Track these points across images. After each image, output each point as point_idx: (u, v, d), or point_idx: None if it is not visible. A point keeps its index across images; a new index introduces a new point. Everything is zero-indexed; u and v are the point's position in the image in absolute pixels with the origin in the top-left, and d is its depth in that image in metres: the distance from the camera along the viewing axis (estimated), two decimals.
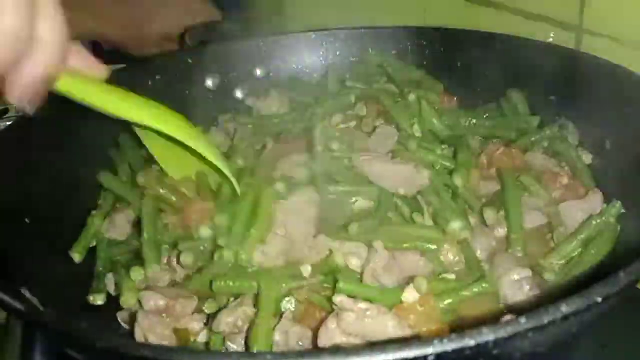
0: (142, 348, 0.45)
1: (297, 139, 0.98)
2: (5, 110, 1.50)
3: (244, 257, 0.73)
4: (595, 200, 0.83)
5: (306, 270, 0.72)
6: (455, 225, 0.76)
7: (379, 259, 0.71)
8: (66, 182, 0.89)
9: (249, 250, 0.74)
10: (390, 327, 0.61)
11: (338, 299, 0.63)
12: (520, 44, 1.05)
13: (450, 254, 0.75)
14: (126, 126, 1.01)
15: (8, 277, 0.65)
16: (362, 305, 0.62)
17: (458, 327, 0.65)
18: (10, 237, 0.75)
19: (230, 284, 0.72)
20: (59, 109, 0.97)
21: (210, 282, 0.72)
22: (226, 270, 0.73)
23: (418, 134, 0.97)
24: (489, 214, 0.79)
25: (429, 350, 0.42)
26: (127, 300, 0.74)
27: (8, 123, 0.94)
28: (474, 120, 1.02)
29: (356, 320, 0.61)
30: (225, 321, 0.69)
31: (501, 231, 0.78)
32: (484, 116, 1.04)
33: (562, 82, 0.99)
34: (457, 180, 0.83)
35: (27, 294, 0.65)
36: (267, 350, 0.63)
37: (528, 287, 0.69)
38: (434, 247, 0.75)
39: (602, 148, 0.90)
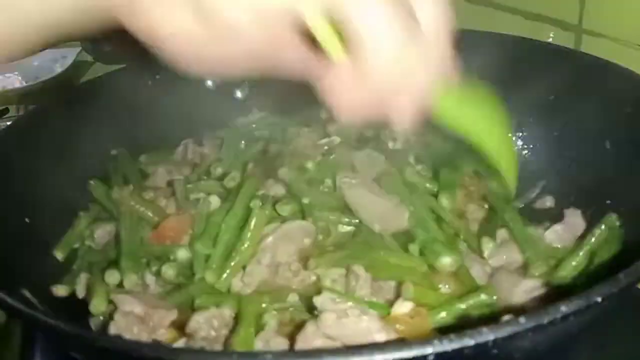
0: (143, 348, 0.45)
1: (280, 156, 0.93)
2: (6, 110, 1.50)
3: (221, 285, 0.72)
4: (573, 217, 0.82)
5: (293, 297, 0.70)
6: (446, 261, 0.71)
7: (362, 283, 0.67)
8: (66, 182, 0.89)
9: (227, 279, 0.72)
10: (374, 330, 0.58)
11: (319, 299, 0.61)
12: (520, 43, 1.05)
13: (443, 284, 0.71)
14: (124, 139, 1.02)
15: (8, 277, 0.65)
16: (344, 305, 0.60)
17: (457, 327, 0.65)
18: (10, 237, 0.75)
19: (213, 299, 0.70)
20: (59, 110, 0.98)
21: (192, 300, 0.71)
22: (207, 289, 0.72)
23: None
24: (487, 246, 0.76)
25: (429, 350, 0.42)
26: (98, 305, 0.71)
27: (8, 123, 0.94)
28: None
29: (337, 321, 0.58)
30: (197, 320, 0.65)
31: (498, 260, 0.76)
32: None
33: (562, 82, 0.99)
34: (444, 201, 0.80)
35: (27, 294, 0.65)
36: (268, 350, 0.63)
37: (538, 294, 0.68)
38: (415, 279, 0.70)
39: (602, 148, 0.90)
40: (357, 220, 0.79)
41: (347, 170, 0.85)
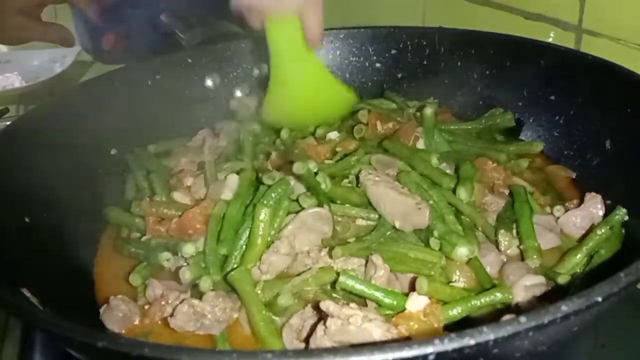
0: (143, 347, 0.45)
1: (300, 150, 0.96)
2: (6, 110, 1.50)
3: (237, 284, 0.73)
4: (593, 203, 0.82)
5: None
6: (462, 251, 0.73)
7: (380, 273, 0.70)
8: (65, 182, 0.89)
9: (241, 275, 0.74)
10: (375, 335, 0.59)
11: (324, 305, 0.62)
12: (520, 43, 1.05)
13: (457, 274, 0.73)
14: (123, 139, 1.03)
15: (8, 277, 0.65)
16: (347, 311, 0.61)
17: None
18: (10, 237, 0.74)
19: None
20: (59, 110, 0.98)
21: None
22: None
23: (422, 147, 0.97)
24: (504, 237, 0.77)
25: (429, 349, 0.42)
26: (135, 280, 0.80)
27: (8, 123, 0.94)
28: (469, 143, 1.02)
29: (341, 327, 0.60)
30: (206, 300, 0.71)
31: (515, 249, 0.77)
32: (474, 134, 1.05)
33: (562, 82, 0.99)
34: (462, 194, 0.82)
35: (27, 294, 0.65)
36: (268, 350, 0.63)
37: (540, 292, 0.68)
38: (431, 273, 0.72)
39: (602, 148, 0.90)
40: (376, 216, 0.82)
41: (371, 168, 0.88)
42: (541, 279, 0.70)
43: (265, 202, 0.79)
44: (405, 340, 0.43)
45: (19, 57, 1.85)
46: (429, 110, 0.99)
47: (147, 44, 1.56)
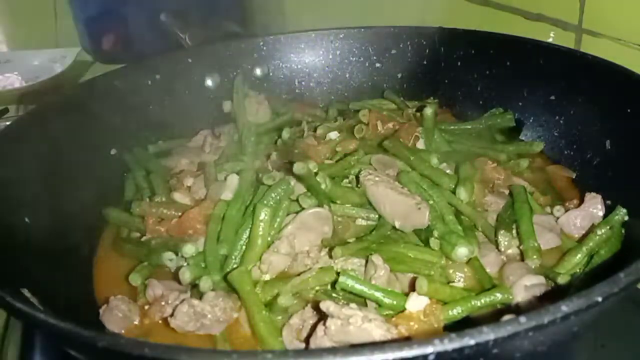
0: (143, 347, 0.45)
1: (300, 150, 0.97)
2: (5, 110, 1.50)
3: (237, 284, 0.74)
4: (593, 203, 0.82)
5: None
6: (462, 251, 0.73)
7: (380, 273, 0.70)
8: (66, 181, 0.89)
9: (241, 276, 0.74)
10: (375, 335, 0.59)
11: (324, 305, 0.62)
12: (520, 43, 1.05)
13: (457, 273, 0.73)
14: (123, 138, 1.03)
15: (8, 277, 0.65)
16: (348, 312, 0.61)
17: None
18: (10, 237, 0.74)
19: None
20: (59, 110, 0.98)
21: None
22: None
23: (422, 147, 0.97)
24: (504, 238, 0.77)
25: (429, 349, 0.42)
26: (135, 279, 0.80)
27: (8, 123, 0.94)
28: (469, 143, 1.02)
29: (341, 327, 0.60)
30: (206, 300, 0.71)
31: (515, 249, 0.77)
32: (472, 134, 1.06)
33: (562, 82, 0.99)
34: (462, 194, 0.82)
35: (27, 294, 0.65)
36: (268, 350, 0.63)
37: (540, 292, 0.68)
38: (431, 273, 0.72)
39: (602, 148, 0.90)
40: (376, 216, 0.82)
41: (371, 168, 0.88)
42: (541, 279, 0.70)
43: (265, 202, 0.79)
44: (405, 340, 0.43)
45: (19, 57, 1.85)
46: (429, 110, 0.99)
47: (147, 44, 1.56)
